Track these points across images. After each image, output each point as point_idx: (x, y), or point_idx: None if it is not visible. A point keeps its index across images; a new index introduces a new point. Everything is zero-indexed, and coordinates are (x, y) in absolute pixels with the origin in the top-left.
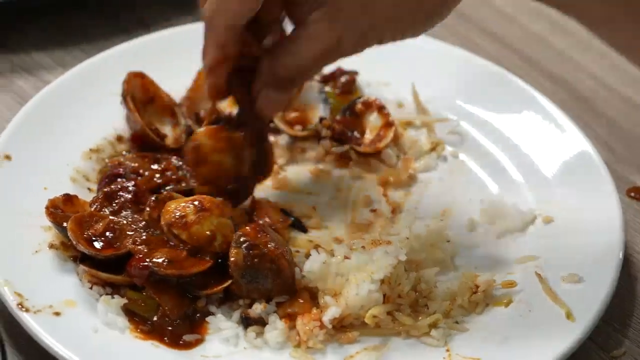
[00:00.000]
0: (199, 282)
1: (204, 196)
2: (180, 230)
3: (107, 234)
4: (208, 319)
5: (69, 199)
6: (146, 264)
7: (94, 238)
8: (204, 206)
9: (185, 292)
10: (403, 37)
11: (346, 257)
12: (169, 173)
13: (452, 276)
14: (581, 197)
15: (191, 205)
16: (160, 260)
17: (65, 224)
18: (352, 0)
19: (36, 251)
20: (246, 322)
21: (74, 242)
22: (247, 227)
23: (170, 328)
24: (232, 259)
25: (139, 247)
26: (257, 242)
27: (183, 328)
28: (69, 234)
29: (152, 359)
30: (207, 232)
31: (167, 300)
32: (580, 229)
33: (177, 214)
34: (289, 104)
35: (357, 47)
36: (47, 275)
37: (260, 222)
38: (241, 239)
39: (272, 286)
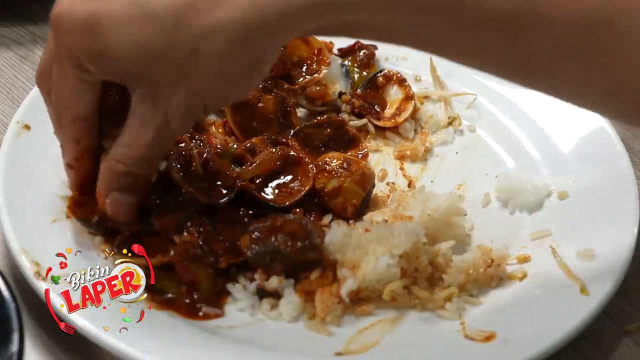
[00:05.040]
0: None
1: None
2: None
3: None
4: (228, 287)
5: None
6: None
7: None
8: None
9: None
10: (228, 100)
11: (367, 230)
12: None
13: (467, 250)
14: (597, 172)
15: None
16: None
17: (93, 219)
18: (167, 73)
19: (54, 220)
20: (261, 293)
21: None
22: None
23: (188, 301)
24: (242, 245)
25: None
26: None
27: (205, 301)
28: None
29: (167, 329)
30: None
31: (204, 276)
32: (595, 205)
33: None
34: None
35: (185, 120)
36: (64, 245)
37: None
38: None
39: (289, 253)
